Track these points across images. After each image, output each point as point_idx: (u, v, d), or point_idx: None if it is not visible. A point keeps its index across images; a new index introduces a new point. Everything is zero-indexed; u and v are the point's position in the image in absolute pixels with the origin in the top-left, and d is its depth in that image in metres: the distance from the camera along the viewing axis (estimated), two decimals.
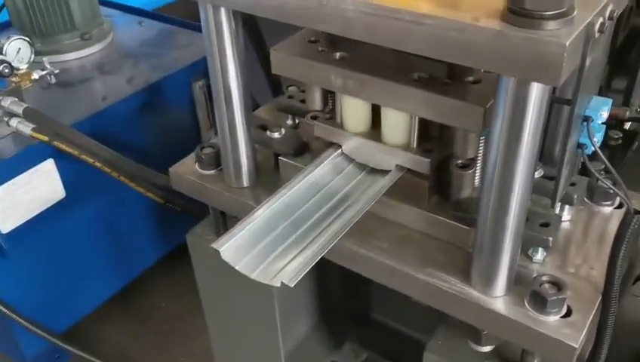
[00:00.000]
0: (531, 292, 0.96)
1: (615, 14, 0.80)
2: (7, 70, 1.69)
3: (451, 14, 0.79)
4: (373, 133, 1.12)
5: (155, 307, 2.30)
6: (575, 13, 0.74)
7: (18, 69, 1.80)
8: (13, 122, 1.64)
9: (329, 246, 1.00)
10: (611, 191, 1.11)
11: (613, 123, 1.21)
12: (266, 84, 1.64)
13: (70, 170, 1.72)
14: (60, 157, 1.68)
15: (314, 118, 1.20)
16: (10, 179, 1.61)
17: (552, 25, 0.73)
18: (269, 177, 1.27)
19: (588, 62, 0.78)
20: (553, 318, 0.95)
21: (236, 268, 0.95)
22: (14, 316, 1.67)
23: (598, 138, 0.92)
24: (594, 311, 0.97)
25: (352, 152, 1.15)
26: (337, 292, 1.60)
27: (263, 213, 1.05)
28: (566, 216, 1.13)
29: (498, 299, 0.99)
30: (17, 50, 1.79)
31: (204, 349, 1.70)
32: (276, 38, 1.18)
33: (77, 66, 2.03)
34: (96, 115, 1.80)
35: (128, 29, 2.28)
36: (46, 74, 1.87)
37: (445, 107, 0.97)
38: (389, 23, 0.84)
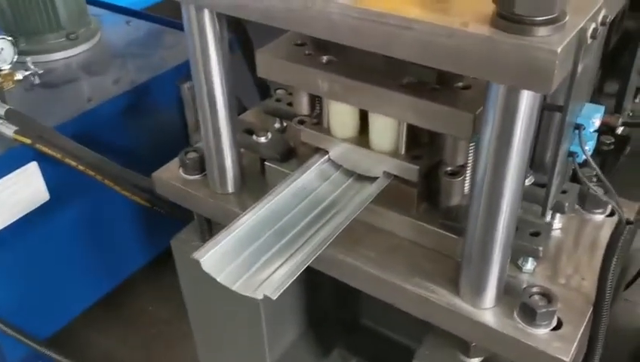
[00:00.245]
0: (521, 304, 0.94)
1: (608, 20, 0.78)
2: None
3: (439, 19, 0.76)
4: (361, 139, 1.09)
5: (142, 311, 2.27)
6: (567, 18, 0.72)
7: (0, 70, 1.76)
8: None
9: (314, 256, 0.98)
10: (603, 199, 1.09)
11: (605, 128, 1.19)
12: (253, 87, 1.62)
13: (54, 172, 1.69)
14: (44, 160, 1.65)
15: (301, 122, 1.17)
16: None
17: (543, 31, 0.71)
18: (255, 183, 1.24)
19: (580, 68, 0.76)
20: (543, 331, 0.93)
21: (218, 279, 0.92)
22: None
23: (589, 146, 0.90)
24: (585, 323, 0.95)
25: (339, 158, 1.12)
26: (326, 299, 1.57)
27: (246, 221, 1.02)
28: (557, 224, 1.11)
29: (487, 311, 0.97)
30: (0, 50, 1.75)
31: (190, 354, 1.68)
32: (264, 39, 1.15)
33: (62, 67, 1.99)
34: (81, 116, 1.76)
35: (116, 29, 2.24)
36: (30, 74, 1.84)
37: (434, 113, 0.94)
38: (375, 28, 0.81)
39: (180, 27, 2.12)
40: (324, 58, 1.05)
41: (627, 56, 1.65)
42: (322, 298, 1.55)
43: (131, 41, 2.17)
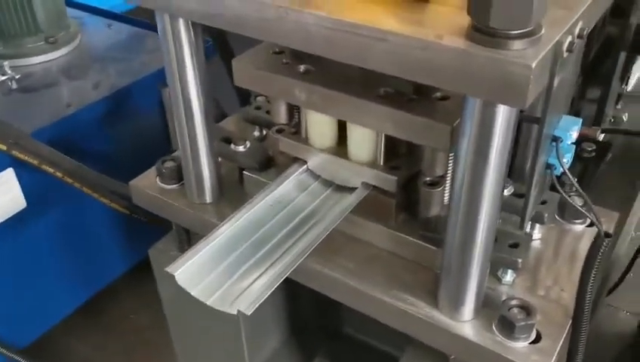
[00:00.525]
0: (500, 317, 0.93)
1: (585, 32, 0.77)
2: None
3: (414, 31, 0.75)
4: (340, 150, 1.08)
5: (123, 318, 2.24)
6: (543, 32, 0.71)
7: None
8: None
9: (291, 268, 0.96)
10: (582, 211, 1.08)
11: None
12: (233, 92, 1.60)
13: (31, 179, 1.66)
14: (20, 166, 1.62)
15: (279, 131, 1.16)
16: None
17: (517, 45, 0.70)
18: (233, 192, 1.23)
19: (556, 82, 0.75)
20: (522, 344, 0.92)
21: (192, 293, 0.91)
22: None
23: (567, 158, 0.89)
24: (564, 336, 0.94)
25: (317, 169, 1.11)
26: (307, 307, 1.56)
27: (223, 233, 1.00)
28: (536, 234, 1.10)
29: (466, 324, 0.96)
30: None
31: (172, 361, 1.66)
32: (244, 44, 1.14)
33: (41, 71, 1.96)
34: (60, 121, 1.74)
35: (97, 32, 2.21)
36: (7, 79, 1.81)
37: (411, 124, 0.93)
38: (349, 39, 0.80)
39: None
40: (302, 67, 1.03)
41: (609, 63, 1.65)
42: (303, 306, 1.54)
43: (112, 44, 2.14)
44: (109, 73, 1.97)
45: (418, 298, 1.00)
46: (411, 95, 0.96)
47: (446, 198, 1.07)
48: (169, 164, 1.24)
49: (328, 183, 1.12)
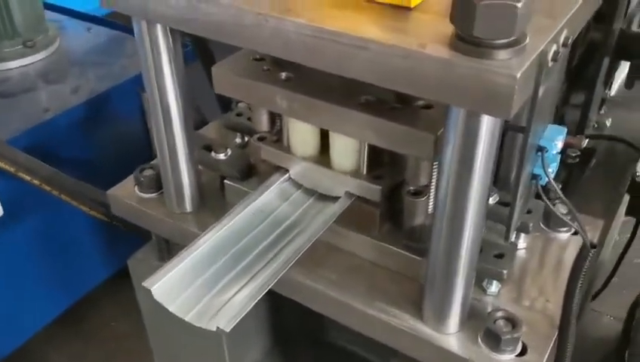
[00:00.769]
0: (485, 329, 0.92)
1: (570, 40, 0.76)
2: None
3: (396, 39, 0.73)
4: (322, 158, 1.06)
5: (103, 326, 2.21)
6: (527, 41, 0.69)
7: None
8: None
9: (273, 281, 0.94)
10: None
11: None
12: (215, 100, 1.57)
13: (8, 186, 1.61)
14: None
15: (261, 139, 1.14)
16: None
17: (502, 54, 0.68)
18: (214, 201, 1.20)
19: (541, 92, 0.73)
20: (508, 357, 0.90)
21: (169, 309, 0.88)
22: None
23: (553, 168, 0.88)
24: (550, 348, 0.93)
25: (299, 178, 1.09)
26: (292, 317, 1.53)
27: (203, 245, 0.97)
28: (522, 243, 1.09)
29: (451, 336, 0.94)
30: None
31: None
32: (225, 48, 1.11)
33: (18, 75, 1.92)
34: (38, 127, 1.70)
35: (76, 36, 2.17)
36: None
37: (394, 133, 0.91)
38: (329, 47, 0.78)
39: None
40: (283, 74, 1.01)
41: (592, 68, 1.64)
42: (287, 316, 1.51)
43: (92, 48, 2.10)
44: (88, 77, 1.94)
45: (402, 309, 0.98)
46: (394, 103, 0.94)
47: (430, 207, 1.06)
48: (148, 173, 1.21)
49: (311, 192, 1.09)
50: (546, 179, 0.86)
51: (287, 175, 1.10)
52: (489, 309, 0.96)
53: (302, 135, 1.06)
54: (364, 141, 0.98)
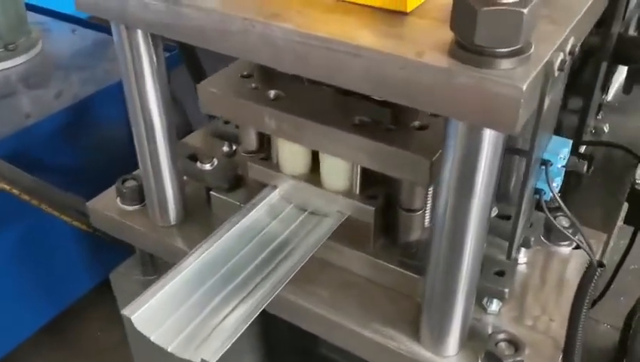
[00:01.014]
0: (486, 352, 0.87)
1: (576, 49, 0.71)
2: None
3: (392, 47, 0.68)
4: (313, 177, 1.01)
5: (90, 337, 2.14)
6: (532, 50, 0.64)
7: None
8: None
9: (263, 305, 0.88)
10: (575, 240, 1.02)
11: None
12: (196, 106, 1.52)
13: None
14: None
15: (249, 152, 1.08)
16: None
17: (505, 64, 0.63)
18: (200, 213, 1.15)
19: (546, 103, 0.68)
20: None
21: (151, 339, 0.82)
22: None
23: (557, 182, 0.83)
24: None
25: (289, 196, 1.03)
26: (283, 329, 1.48)
27: (187, 267, 0.91)
28: (522, 258, 1.04)
29: (450, 359, 0.89)
30: None
31: None
32: (213, 55, 1.06)
33: None
34: (19, 133, 1.64)
35: (60, 38, 2.12)
36: None
37: (388, 157, 0.87)
38: (321, 54, 0.72)
39: None
40: (272, 93, 0.96)
41: (590, 72, 1.60)
42: (279, 327, 1.46)
43: (76, 51, 2.04)
44: (71, 81, 1.88)
45: (398, 330, 0.93)
46: (389, 124, 0.89)
47: (427, 221, 1.01)
48: (130, 184, 1.15)
49: (302, 208, 1.04)
50: (550, 194, 0.81)
51: (277, 190, 1.04)
52: (490, 330, 0.91)
53: (291, 153, 1.00)
54: (357, 164, 0.93)
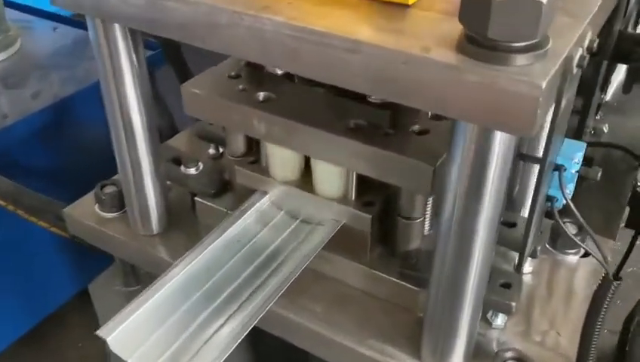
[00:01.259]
0: None
1: (595, 44, 0.65)
2: None
3: (394, 42, 0.62)
4: (305, 182, 0.94)
5: (70, 346, 2.07)
6: (550, 44, 0.58)
7: None
8: None
9: (252, 323, 0.81)
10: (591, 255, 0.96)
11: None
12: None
13: None
14: None
15: (237, 156, 1.01)
16: None
17: (521, 60, 0.57)
18: (184, 221, 1.08)
19: (564, 103, 0.62)
20: None
21: None
22: None
23: (569, 189, 0.77)
24: None
25: (280, 203, 0.97)
26: (274, 344, 1.41)
27: (169, 282, 0.84)
28: (527, 267, 0.98)
29: None
30: None
31: None
32: (199, 52, 0.99)
33: None
34: None
35: (40, 36, 2.05)
36: None
37: (386, 163, 0.80)
38: (315, 50, 0.66)
39: None
40: (261, 95, 0.89)
41: (589, 71, 1.55)
42: (269, 343, 1.39)
43: (56, 49, 1.98)
44: (51, 81, 1.81)
45: (397, 347, 0.87)
46: (387, 128, 0.82)
47: (426, 228, 0.95)
48: (109, 190, 1.08)
49: (294, 215, 0.97)
50: (563, 201, 0.75)
51: (267, 195, 0.97)
52: (495, 346, 0.85)
53: (281, 158, 0.94)
54: (353, 171, 0.87)
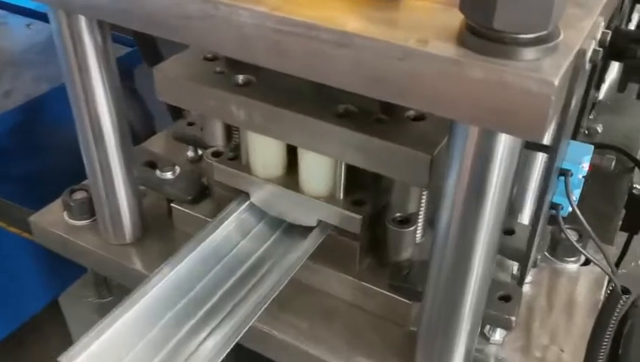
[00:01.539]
0: None
1: (608, 37, 0.59)
2: None
3: (387, 34, 0.55)
4: (289, 180, 0.87)
5: (46, 356, 1.98)
6: (561, 37, 0.52)
7: None
8: None
9: (233, 340, 0.75)
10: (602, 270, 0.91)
11: None
12: (164, 106, 1.37)
13: None
14: None
15: (215, 154, 0.94)
16: None
17: (530, 54, 0.51)
18: (160, 229, 1.01)
19: (574, 102, 0.56)
20: None
21: None
22: None
23: (576, 195, 0.71)
24: None
25: (262, 204, 0.90)
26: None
27: (141, 299, 0.77)
28: (527, 277, 0.92)
29: None
30: None
31: None
32: (178, 48, 0.92)
33: None
34: None
35: (13, 33, 1.99)
36: None
37: (379, 152, 0.73)
38: (300, 44, 0.59)
39: None
40: (240, 78, 0.82)
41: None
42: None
43: (30, 46, 1.93)
44: (23, 79, 1.76)
45: None
46: (379, 114, 0.76)
47: (418, 236, 0.89)
48: (78, 196, 1.01)
49: (277, 222, 0.91)
50: (569, 208, 0.69)
51: (247, 201, 0.91)
52: None
53: (264, 152, 0.87)
54: (342, 161, 0.80)
